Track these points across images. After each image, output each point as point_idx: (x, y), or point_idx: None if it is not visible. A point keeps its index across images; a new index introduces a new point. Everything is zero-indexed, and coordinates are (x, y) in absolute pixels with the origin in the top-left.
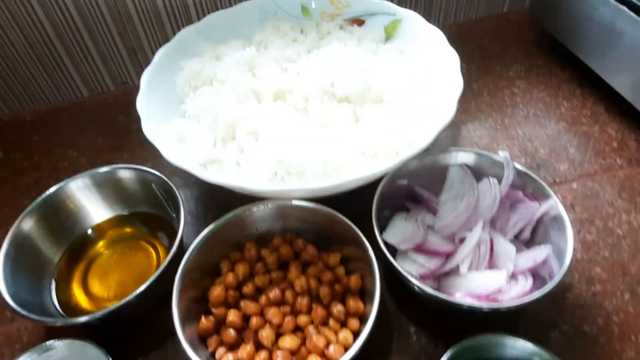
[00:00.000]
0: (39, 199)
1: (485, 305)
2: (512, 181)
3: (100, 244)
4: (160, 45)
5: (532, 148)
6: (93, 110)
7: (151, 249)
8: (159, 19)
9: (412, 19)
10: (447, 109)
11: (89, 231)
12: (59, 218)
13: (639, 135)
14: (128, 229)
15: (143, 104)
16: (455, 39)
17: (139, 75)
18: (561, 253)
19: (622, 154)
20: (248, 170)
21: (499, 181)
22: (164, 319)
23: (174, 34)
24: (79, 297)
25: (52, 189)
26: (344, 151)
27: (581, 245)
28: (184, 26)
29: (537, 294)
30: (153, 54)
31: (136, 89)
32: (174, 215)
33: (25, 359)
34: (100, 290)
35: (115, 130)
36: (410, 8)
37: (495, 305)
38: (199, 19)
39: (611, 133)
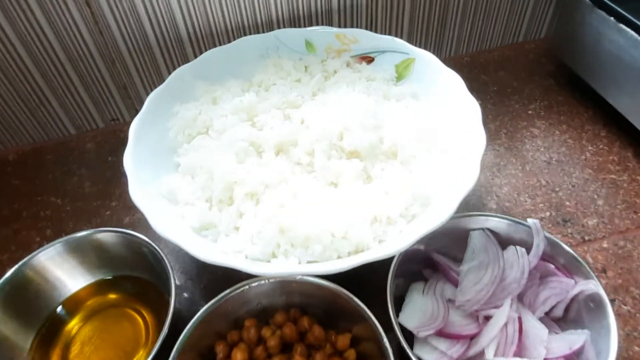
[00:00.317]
0: (5, 277)
1: None
2: (543, 251)
3: (76, 319)
4: (154, 81)
5: (556, 199)
6: (80, 150)
7: (138, 318)
8: (151, 54)
9: (427, 60)
10: (469, 170)
11: (59, 309)
12: (26, 298)
13: None
14: (112, 295)
15: (130, 161)
16: (468, 72)
17: (129, 111)
18: (602, 345)
19: None
20: (247, 241)
21: (528, 250)
22: None
23: (168, 69)
24: None
25: (15, 267)
26: (353, 217)
27: (617, 317)
28: (178, 61)
29: None
30: (145, 89)
31: (127, 125)
32: (164, 279)
33: None
34: None
35: (104, 173)
36: (420, 37)
37: None
38: (195, 55)
39: None
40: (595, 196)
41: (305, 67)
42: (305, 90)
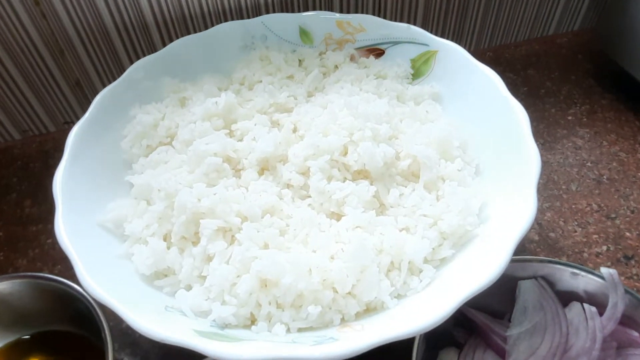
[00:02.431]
0: None
1: None
2: (622, 312)
3: None
4: (113, 75)
5: (614, 229)
6: (25, 158)
7: None
8: (108, 42)
9: (453, 52)
10: (520, 200)
11: None
12: None
13: None
14: None
15: (63, 181)
16: (492, 67)
17: (85, 111)
18: None
19: None
20: (216, 298)
21: (599, 309)
22: None
23: (131, 61)
24: None
25: None
26: (363, 267)
27: None
28: (143, 51)
29: None
30: (103, 85)
31: None
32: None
33: None
34: None
35: (49, 189)
36: (437, 26)
37: None
38: (163, 44)
39: None
40: None
41: (300, 60)
42: (299, 90)
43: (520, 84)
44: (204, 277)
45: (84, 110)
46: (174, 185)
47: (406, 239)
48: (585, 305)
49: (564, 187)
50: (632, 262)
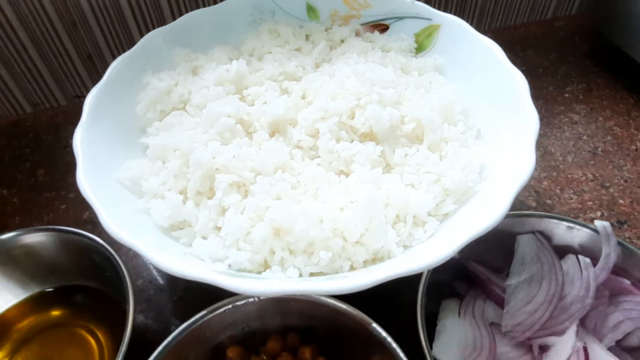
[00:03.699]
0: None
1: None
2: (614, 262)
3: (4, 350)
4: (124, 49)
5: (608, 197)
6: (36, 130)
7: (90, 340)
8: (121, 17)
9: (455, 26)
10: (520, 156)
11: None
12: None
13: None
14: (55, 312)
15: (83, 139)
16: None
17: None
18: None
19: None
20: (231, 245)
21: (593, 260)
22: None
23: (142, 35)
24: None
25: None
26: (371, 217)
27: None
28: (153, 25)
29: None
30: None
31: None
32: (123, 291)
33: None
34: None
35: (62, 160)
36: (439, 6)
37: None
38: (173, 17)
39: None
40: None
41: (307, 35)
42: (307, 61)
43: (519, 63)
44: (219, 229)
45: (95, 84)
46: (189, 144)
47: (411, 194)
48: (580, 257)
49: (560, 158)
50: (625, 226)
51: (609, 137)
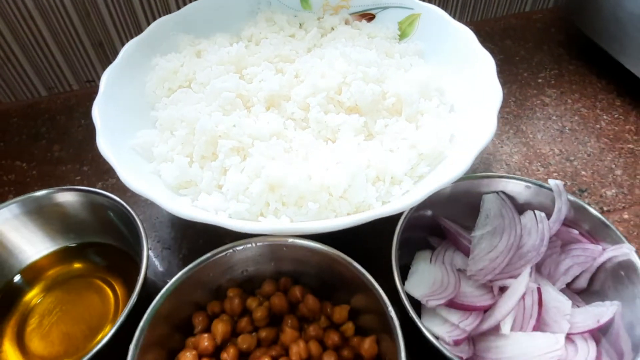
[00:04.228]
0: None
1: None
2: (565, 216)
3: (37, 288)
4: (132, 37)
5: (571, 169)
6: (51, 112)
7: (108, 290)
8: (130, 7)
9: (434, 14)
10: (483, 124)
11: (18, 277)
12: None
13: None
14: (77, 265)
15: (101, 111)
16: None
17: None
18: (634, 318)
19: None
20: (232, 198)
21: (548, 215)
22: None
23: (148, 23)
24: (12, 358)
25: None
26: (354, 175)
27: None
28: (160, 15)
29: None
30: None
31: None
32: (136, 246)
33: None
34: (41, 347)
35: (76, 138)
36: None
37: None
38: (178, 7)
39: None
40: (613, 166)
41: (300, 24)
42: (300, 45)
43: (498, 52)
44: (221, 186)
45: (105, 70)
46: (194, 115)
47: (389, 157)
48: (537, 212)
49: (530, 135)
50: (585, 194)
51: (576, 117)
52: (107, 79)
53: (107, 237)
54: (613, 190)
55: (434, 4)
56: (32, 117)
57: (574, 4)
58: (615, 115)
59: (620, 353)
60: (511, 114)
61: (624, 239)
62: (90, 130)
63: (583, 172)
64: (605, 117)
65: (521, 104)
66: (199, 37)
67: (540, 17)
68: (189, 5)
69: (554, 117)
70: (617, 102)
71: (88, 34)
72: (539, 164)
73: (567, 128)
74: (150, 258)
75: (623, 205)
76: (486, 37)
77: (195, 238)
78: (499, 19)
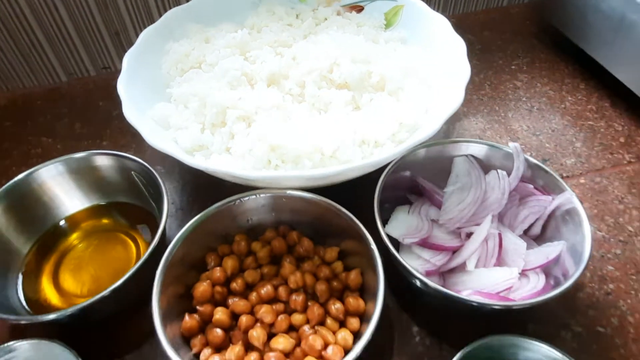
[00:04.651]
0: (6, 186)
1: (497, 303)
2: (522, 174)
3: (74, 236)
4: (146, 26)
5: (537, 142)
6: (71, 95)
7: (131, 243)
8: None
9: (415, 6)
10: (453, 96)
11: (62, 222)
12: (29, 207)
13: None
14: (105, 220)
15: (124, 86)
16: (455, 31)
17: (121, 60)
18: (576, 250)
19: (630, 149)
20: (239, 158)
21: (508, 174)
22: (142, 318)
23: (160, 16)
24: (49, 293)
25: (21, 176)
26: (343, 139)
27: (591, 242)
28: (171, 8)
29: (553, 292)
30: (137, 37)
31: (118, 74)
32: (156, 206)
33: None
34: (72, 285)
35: (95, 117)
36: None
37: (507, 303)
38: (187, 1)
39: (618, 128)
40: (574, 139)
41: (297, 15)
42: (297, 33)
43: (477, 42)
44: (229, 149)
45: (121, 57)
46: (205, 90)
47: (373, 125)
48: (499, 171)
49: (502, 114)
50: (548, 162)
51: (543, 99)
52: (128, 61)
53: (131, 198)
54: (572, 160)
55: None
56: (54, 100)
57: (549, 2)
58: (579, 97)
59: (565, 272)
60: (486, 96)
61: (567, 187)
62: (107, 111)
63: (547, 145)
64: (569, 98)
65: (495, 87)
66: (207, 26)
67: (517, 11)
68: None
69: (524, 99)
70: (581, 85)
71: (106, 24)
72: (509, 137)
73: (535, 108)
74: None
75: (580, 171)
76: (467, 29)
77: (205, 200)
78: (479, 13)
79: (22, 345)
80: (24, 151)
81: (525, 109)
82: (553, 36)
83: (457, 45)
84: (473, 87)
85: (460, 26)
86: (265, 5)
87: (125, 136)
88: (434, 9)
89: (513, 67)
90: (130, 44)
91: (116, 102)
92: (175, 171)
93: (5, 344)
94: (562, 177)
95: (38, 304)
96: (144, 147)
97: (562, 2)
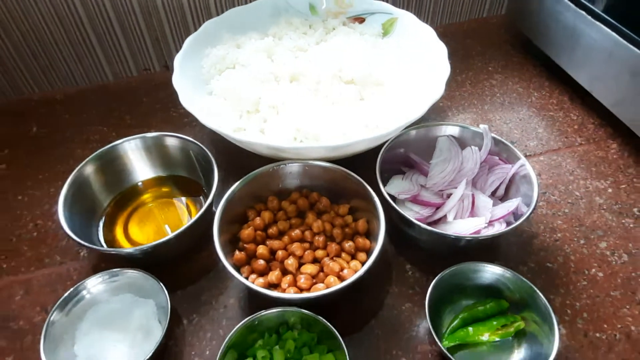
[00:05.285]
0: (97, 152)
1: (468, 235)
2: (490, 149)
3: (141, 198)
4: (181, 36)
5: (507, 129)
6: (118, 93)
7: (184, 208)
8: (182, 11)
9: (407, 18)
10: (436, 89)
11: (134, 185)
12: (112, 171)
13: (596, 119)
14: (165, 189)
15: (178, 82)
16: (441, 39)
17: (160, 63)
18: (529, 199)
19: (582, 134)
20: (271, 136)
21: (480, 149)
22: (200, 258)
23: (194, 26)
24: (121, 239)
25: (108, 146)
26: (351, 123)
27: (546, 203)
28: (204, 20)
29: (509, 227)
30: (175, 44)
31: (157, 75)
32: (204, 179)
33: (96, 279)
34: (138, 236)
35: (141, 110)
36: (404, 7)
37: (475, 235)
38: (217, 14)
39: (573, 118)
40: (537, 127)
41: (310, 25)
42: (311, 40)
43: (460, 48)
44: (263, 130)
45: (159, 61)
46: (241, 85)
47: (374, 112)
48: (472, 147)
49: (479, 107)
50: (515, 144)
51: (514, 95)
52: (177, 63)
53: (187, 173)
54: (535, 142)
55: (410, 10)
56: (104, 96)
57: (517, 12)
58: (543, 93)
59: (520, 213)
60: (467, 92)
61: (522, 157)
62: (151, 105)
63: (515, 131)
64: (535, 94)
65: (474, 86)
66: (237, 34)
67: (494, 22)
68: (229, 11)
69: (497, 95)
70: (546, 83)
71: (149, 31)
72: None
73: (506, 102)
74: None
75: (541, 151)
76: (451, 37)
77: (241, 173)
78: (462, 23)
79: (123, 272)
80: (85, 138)
81: (499, 102)
82: (524, 43)
83: (440, 50)
84: (456, 86)
85: (445, 34)
86: (284, 17)
87: (169, 126)
88: (423, 20)
89: (490, 68)
90: (168, 49)
91: (158, 98)
92: (218, 152)
93: (112, 270)
94: (526, 156)
95: (112, 246)
96: (185, 134)
97: (531, 15)
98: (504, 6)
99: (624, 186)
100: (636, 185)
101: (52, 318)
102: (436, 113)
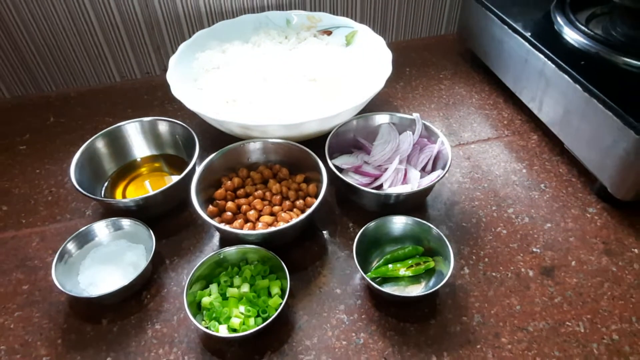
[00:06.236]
0: (105, 130)
1: (394, 192)
2: (421, 133)
3: (138, 171)
4: (178, 44)
5: (447, 123)
6: (123, 91)
7: (172, 179)
8: (179, 23)
9: (365, 31)
10: (378, 85)
11: (133, 160)
12: (117, 146)
13: (523, 116)
14: (157, 164)
15: (171, 76)
16: (402, 51)
17: (160, 68)
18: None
19: (509, 128)
20: (247, 119)
21: (413, 133)
22: (182, 216)
23: (190, 35)
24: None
25: (115, 126)
26: (307, 109)
27: (470, 180)
28: (197, 29)
29: (426, 185)
30: (173, 50)
31: (157, 78)
32: (187, 155)
33: (101, 224)
34: (133, 196)
35: (142, 105)
36: (369, 24)
37: (399, 192)
38: (209, 24)
39: (504, 115)
40: (473, 122)
41: (285, 36)
42: (285, 47)
43: (418, 59)
44: (237, 114)
45: (160, 65)
46: (225, 79)
47: (329, 101)
48: (408, 132)
49: (428, 106)
50: (452, 135)
51: (458, 97)
52: (172, 63)
53: (174, 152)
54: (469, 133)
55: (376, 27)
56: (111, 94)
57: (464, 30)
58: (483, 95)
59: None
60: (418, 94)
61: (442, 136)
62: (150, 101)
63: (454, 124)
64: (476, 96)
65: (426, 89)
66: (223, 42)
67: (449, 39)
68: (217, 24)
69: (444, 96)
70: (486, 88)
71: (151, 39)
72: (428, 121)
73: (450, 102)
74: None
75: (473, 141)
76: (412, 50)
77: (218, 147)
78: (423, 39)
79: (123, 221)
80: (94, 126)
81: (444, 103)
82: (471, 56)
83: (387, 56)
84: (410, 89)
85: (407, 47)
86: (263, 29)
87: (163, 116)
88: (389, 35)
89: (441, 76)
90: (167, 55)
91: (156, 96)
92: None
93: (115, 218)
94: (460, 144)
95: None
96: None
97: (475, 35)
98: (456, 25)
99: (536, 167)
100: (547, 167)
101: (62, 253)
102: (391, 111)
